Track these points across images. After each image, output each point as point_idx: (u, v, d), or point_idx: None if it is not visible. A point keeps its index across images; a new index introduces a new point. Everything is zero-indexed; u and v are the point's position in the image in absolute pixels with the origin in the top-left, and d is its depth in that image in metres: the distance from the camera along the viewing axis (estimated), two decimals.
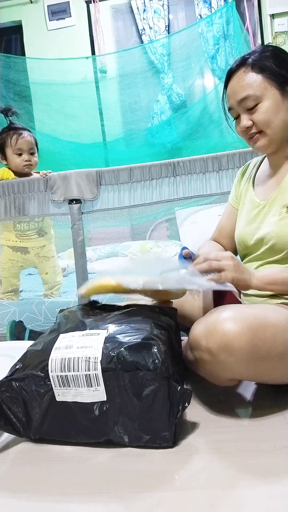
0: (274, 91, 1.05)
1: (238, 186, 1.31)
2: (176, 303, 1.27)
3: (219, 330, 0.92)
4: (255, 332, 0.92)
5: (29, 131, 1.95)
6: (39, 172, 1.90)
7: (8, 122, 1.93)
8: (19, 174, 1.90)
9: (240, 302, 1.25)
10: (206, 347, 0.94)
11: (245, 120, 1.08)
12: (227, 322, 0.93)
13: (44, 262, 2.03)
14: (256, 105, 1.06)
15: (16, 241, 1.96)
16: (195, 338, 0.98)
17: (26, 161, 1.88)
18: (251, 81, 1.06)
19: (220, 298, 1.33)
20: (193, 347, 1.00)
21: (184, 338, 1.27)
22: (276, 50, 1.10)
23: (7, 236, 1.96)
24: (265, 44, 1.10)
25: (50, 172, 1.74)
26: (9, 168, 1.94)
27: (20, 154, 1.88)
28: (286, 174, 1.12)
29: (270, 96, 1.05)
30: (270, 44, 1.16)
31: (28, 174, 1.90)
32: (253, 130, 1.09)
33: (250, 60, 1.08)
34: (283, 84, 1.06)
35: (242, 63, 1.09)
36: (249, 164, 1.32)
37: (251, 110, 1.07)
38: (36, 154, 1.94)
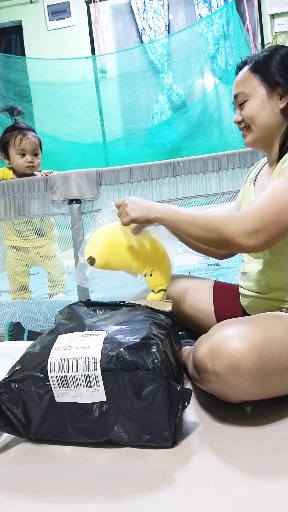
0: (262, 91, 1.10)
1: (243, 186, 1.33)
2: (175, 303, 1.27)
3: (224, 351, 0.90)
4: (260, 350, 0.90)
5: (34, 131, 1.92)
6: (40, 171, 1.90)
7: (13, 121, 1.91)
8: (20, 174, 1.89)
9: (240, 306, 1.25)
10: (213, 370, 0.92)
11: (236, 115, 1.16)
12: (231, 342, 0.91)
13: (46, 261, 2.04)
14: (245, 102, 1.12)
15: (16, 241, 1.96)
16: (200, 360, 0.96)
17: (28, 162, 1.86)
18: (244, 79, 1.13)
19: (221, 302, 1.33)
20: (199, 370, 0.98)
21: (187, 348, 1.27)
22: (285, 55, 1.11)
23: (8, 236, 1.96)
24: (280, 44, 1.14)
25: (51, 172, 1.73)
26: (10, 168, 1.93)
27: (23, 155, 1.86)
28: (275, 174, 1.12)
29: (257, 95, 1.10)
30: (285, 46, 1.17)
31: (30, 175, 1.90)
32: (242, 125, 1.16)
33: (254, 58, 1.13)
34: (273, 87, 1.09)
35: (246, 60, 1.15)
36: (258, 163, 1.33)
37: (241, 106, 1.14)
38: (39, 156, 1.91)
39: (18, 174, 1.90)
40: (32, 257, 2.02)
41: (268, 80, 1.09)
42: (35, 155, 1.89)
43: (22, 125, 1.91)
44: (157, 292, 1.18)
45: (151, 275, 1.18)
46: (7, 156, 1.90)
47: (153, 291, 1.19)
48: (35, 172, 1.92)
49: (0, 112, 1.94)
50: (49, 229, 2.01)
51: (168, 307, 1.17)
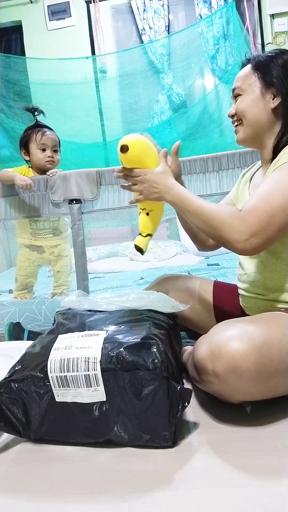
0: (257, 88, 1.12)
1: (237, 186, 1.32)
2: None
3: (224, 352, 0.90)
4: (260, 350, 0.90)
5: (53, 130, 1.98)
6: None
7: (35, 121, 1.97)
8: (40, 171, 1.92)
9: (240, 306, 1.25)
10: (213, 371, 0.92)
11: (231, 108, 1.18)
12: (231, 343, 0.91)
13: (58, 260, 2.04)
14: (240, 96, 1.15)
15: (30, 239, 1.97)
16: (200, 361, 0.96)
17: (49, 157, 1.90)
18: (244, 75, 1.15)
19: (220, 302, 1.33)
20: (199, 371, 0.98)
21: (187, 348, 1.27)
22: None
23: (22, 234, 1.97)
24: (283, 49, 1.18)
25: (57, 172, 1.72)
26: (29, 167, 1.95)
27: (43, 150, 1.91)
28: (268, 173, 1.12)
29: (252, 91, 1.13)
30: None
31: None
32: (235, 119, 1.17)
33: (257, 57, 1.16)
34: (268, 86, 1.11)
35: (250, 58, 1.18)
36: (254, 165, 1.33)
37: (236, 99, 1.16)
38: (59, 153, 1.96)
39: (38, 172, 1.92)
40: (47, 257, 2.02)
41: (265, 79, 1.12)
42: (55, 151, 1.94)
43: (42, 124, 1.97)
44: (145, 236, 1.19)
45: (147, 213, 1.19)
46: (27, 153, 1.94)
47: (141, 234, 1.19)
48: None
49: (20, 112, 1.98)
50: (64, 229, 2.02)
51: (182, 307, 1.15)
